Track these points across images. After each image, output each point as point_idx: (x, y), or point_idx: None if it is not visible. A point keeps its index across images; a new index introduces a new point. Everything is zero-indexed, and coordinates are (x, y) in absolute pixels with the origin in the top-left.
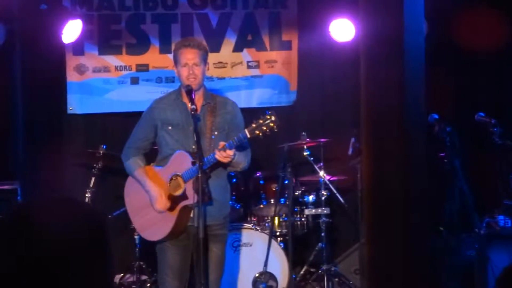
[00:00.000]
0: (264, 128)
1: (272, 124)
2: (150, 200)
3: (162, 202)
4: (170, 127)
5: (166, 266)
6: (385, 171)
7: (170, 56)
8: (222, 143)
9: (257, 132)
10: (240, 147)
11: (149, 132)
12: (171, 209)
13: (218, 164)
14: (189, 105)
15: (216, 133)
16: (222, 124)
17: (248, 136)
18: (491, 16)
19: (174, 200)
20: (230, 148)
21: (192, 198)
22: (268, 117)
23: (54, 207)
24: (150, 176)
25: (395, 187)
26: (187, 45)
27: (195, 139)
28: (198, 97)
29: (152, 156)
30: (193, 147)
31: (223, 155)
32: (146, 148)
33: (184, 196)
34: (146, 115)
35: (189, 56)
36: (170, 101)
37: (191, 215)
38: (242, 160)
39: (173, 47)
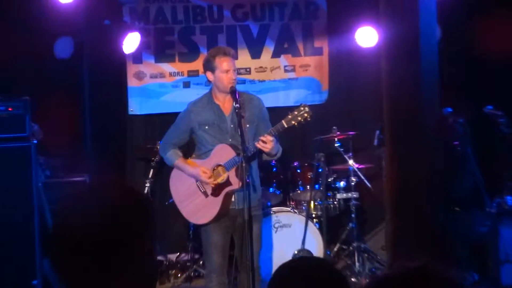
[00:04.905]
0: (299, 118)
1: (306, 115)
2: (197, 179)
3: (206, 175)
4: (207, 127)
5: (211, 246)
6: (404, 158)
7: None
8: (266, 135)
9: (293, 122)
10: None
11: (185, 132)
12: (216, 194)
13: (256, 154)
14: (233, 103)
15: (248, 125)
16: (252, 118)
17: (285, 126)
18: (501, 20)
19: (218, 187)
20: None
21: (236, 184)
22: (302, 108)
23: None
24: (194, 167)
25: (414, 170)
26: (227, 53)
27: (239, 133)
28: (229, 98)
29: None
30: (230, 140)
31: (265, 143)
32: (181, 144)
33: (227, 183)
34: (183, 117)
35: (230, 63)
36: (204, 104)
37: (232, 199)
38: (277, 150)
39: (207, 54)
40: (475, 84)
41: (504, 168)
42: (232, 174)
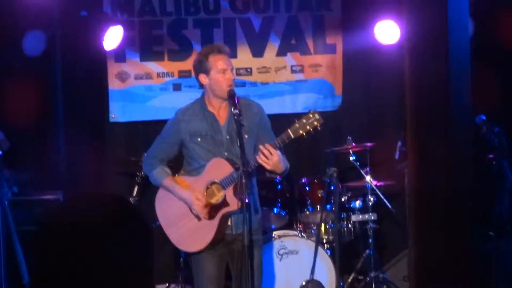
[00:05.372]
0: (308, 127)
1: (316, 123)
2: (189, 206)
3: (200, 203)
4: (199, 139)
5: (204, 277)
6: (431, 172)
7: None
8: (268, 145)
9: (301, 131)
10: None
11: (174, 144)
12: (210, 217)
13: (255, 169)
14: (231, 109)
15: (246, 136)
16: (251, 127)
17: (292, 136)
18: None
19: (213, 208)
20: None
21: (235, 205)
22: (311, 115)
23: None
24: (185, 189)
25: (441, 188)
26: (222, 51)
27: (237, 144)
28: (225, 104)
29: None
30: (225, 153)
31: (266, 157)
32: (170, 158)
33: (224, 203)
34: (172, 127)
35: (226, 61)
36: (195, 112)
37: (229, 223)
38: (285, 166)
39: (198, 55)
40: None
41: None
42: (229, 193)
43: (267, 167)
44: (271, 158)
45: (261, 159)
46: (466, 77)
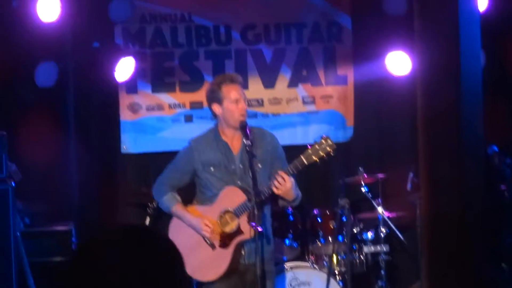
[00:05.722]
0: (321, 153)
1: (329, 149)
2: (199, 232)
3: (209, 229)
4: (212, 168)
5: None
6: (443, 203)
7: None
8: (281, 172)
9: (314, 157)
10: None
11: (186, 173)
12: (224, 246)
13: (269, 199)
14: (243, 140)
15: (260, 166)
16: (265, 157)
17: (305, 162)
18: None
19: (227, 237)
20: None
21: (248, 233)
22: (324, 141)
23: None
24: (195, 216)
25: (454, 218)
26: (234, 80)
27: (250, 175)
28: (239, 134)
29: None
30: (239, 182)
31: (279, 183)
32: (180, 186)
33: (238, 232)
34: (185, 156)
35: (239, 91)
36: (209, 141)
37: (242, 252)
38: (296, 194)
39: (211, 84)
40: None
41: None
42: (243, 222)
43: (279, 192)
44: (284, 185)
45: (273, 186)
46: (478, 108)
